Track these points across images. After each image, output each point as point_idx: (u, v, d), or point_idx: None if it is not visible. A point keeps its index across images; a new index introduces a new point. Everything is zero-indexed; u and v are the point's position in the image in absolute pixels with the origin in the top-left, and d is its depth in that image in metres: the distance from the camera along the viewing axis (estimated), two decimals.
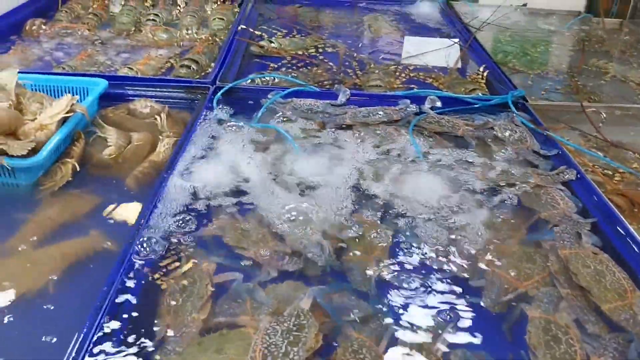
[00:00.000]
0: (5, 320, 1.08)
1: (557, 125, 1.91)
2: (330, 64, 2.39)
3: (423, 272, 1.26)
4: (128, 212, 1.35)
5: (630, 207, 1.49)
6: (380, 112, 1.89)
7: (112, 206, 1.38)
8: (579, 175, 1.55)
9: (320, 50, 2.55)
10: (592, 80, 2.40)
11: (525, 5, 3.22)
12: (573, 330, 1.11)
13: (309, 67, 2.34)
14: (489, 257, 1.31)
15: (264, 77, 2.13)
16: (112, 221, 1.34)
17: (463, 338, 1.11)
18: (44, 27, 2.56)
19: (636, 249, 1.27)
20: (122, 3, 2.90)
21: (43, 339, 1.04)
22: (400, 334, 1.10)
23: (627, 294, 1.18)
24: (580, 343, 1.08)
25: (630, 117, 2.00)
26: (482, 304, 1.19)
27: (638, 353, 1.08)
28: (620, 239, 1.33)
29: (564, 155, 1.67)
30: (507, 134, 1.80)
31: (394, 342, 1.09)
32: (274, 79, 2.14)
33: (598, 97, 2.19)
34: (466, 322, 1.15)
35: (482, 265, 1.28)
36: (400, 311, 1.16)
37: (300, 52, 2.50)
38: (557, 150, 1.70)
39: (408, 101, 1.95)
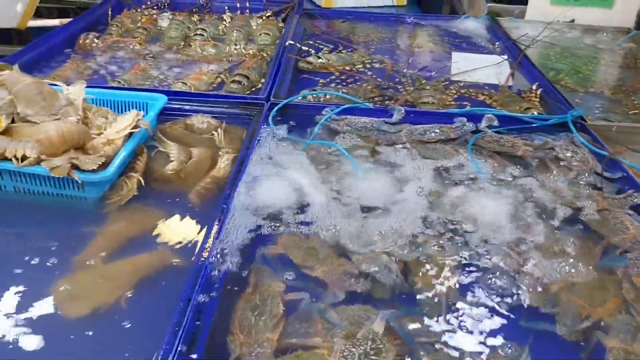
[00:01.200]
0: (79, 335, 1.09)
1: (616, 147, 1.87)
2: (379, 80, 2.38)
3: (493, 296, 1.24)
4: (181, 228, 1.37)
5: None
6: (437, 130, 1.87)
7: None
8: None
9: (368, 65, 2.55)
10: None
11: (573, 21, 3.17)
12: None
13: (358, 83, 2.33)
14: (560, 283, 1.27)
15: (317, 94, 2.14)
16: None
17: None
18: (96, 40, 2.61)
19: None
20: (170, 17, 2.95)
21: (119, 355, 1.05)
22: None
23: None
24: None
25: None
26: (557, 331, 1.16)
27: None
28: None
29: (629, 178, 1.62)
30: (568, 154, 1.76)
31: None
32: (326, 95, 2.14)
33: None
34: (539, 350, 1.12)
35: (554, 291, 1.25)
36: (471, 337, 1.14)
37: (347, 68, 2.50)
38: (622, 173, 1.66)
39: (464, 119, 1.92)
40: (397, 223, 1.40)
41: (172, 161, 1.60)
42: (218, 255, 1.23)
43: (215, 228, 1.31)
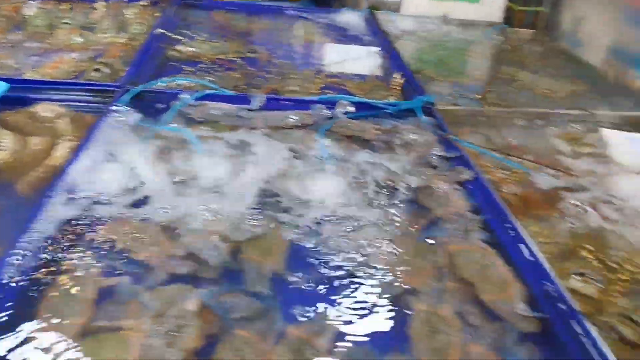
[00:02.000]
0: None
1: (463, 129, 1.99)
2: (250, 69, 2.39)
3: (319, 269, 1.28)
4: None
5: (522, 205, 1.57)
6: (293, 117, 1.91)
7: None
8: (475, 176, 1.61)
9: (242, 55, 2.55)
10: (502, 87, 2.51)
11: (445, 16, 3.33)
12: (454, 321, 1.15)
13: (227, 72, 2.33)
14: (385, 251, 1.34)
15: (176, 81, 2.12)
16: None
17: (351, 332, 1.14)
18: None
19: (522, 246, 1.32)
20: (38, 6, 2.81)
21: None
22: (291, 330, 1.11)
23: (509, 286, 1.23)
24: (458, 333, 1.13)
25: (530, 121, 2.11)
26: (371, 297, 1.21)
27: (513, 341, 1.13)
28: (508, 236, 1.38)
29: (464, 157, 1.73)
30: (412, 137, 1.85)
31: (283, 337, 1.09)
32: (191, 83, 2.12)
33: (506, 103, 2.29)
34: (355, 318, 1.17)
35: (376, 261, 1.31)
36: (294, 309, 1.17)
37: (221, 57, 2.49)
38: (458, 153, 1.76)
39: (321, 106, 1.98)
40: (231, 204, 1.41)
41: (3, 151, 1.52)
42: (28, 246, 1.19)
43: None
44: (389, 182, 1.61)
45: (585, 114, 2.15)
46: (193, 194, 1.44)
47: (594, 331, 1.06)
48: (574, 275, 1.27)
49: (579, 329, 1.08)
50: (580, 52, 2.95)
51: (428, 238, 1.41)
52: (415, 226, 1.45)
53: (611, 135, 1.98)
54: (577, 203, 1.58)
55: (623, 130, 2.06)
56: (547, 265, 1.23)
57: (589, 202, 1.59)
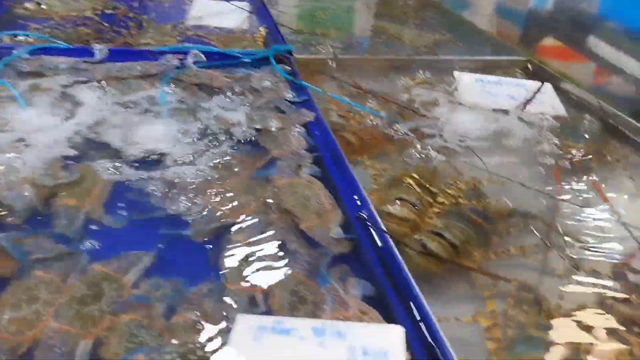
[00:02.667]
0: None
1: (319, 77, 2.00)
2: (106, 25, 2.27)
3: (138, 210, 1.24)
4: None
5: (362, 144, 1.59)
6: (138, 67, 1.83)
7: None
8: (316, 117, 1.62)
9: (98, 12, 2.42)
10: (370, 39, 2.55)
11: None
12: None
13: (77, 28, 2.20)
14: (213, 192, 1.31)
15: (18, 36, 1.97)
16: None
17: (162, 268, 1.11)
18: None
19: (347, 177, 1.34)
20: None
21: None
22: (95, 267, 1.06)
23: (328, 214, 1.24)
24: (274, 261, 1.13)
25: (385, 69, 2.15)
26: (188, 233, 1.19)
27: (327, 264, 1.14)
28: (338, 170, 1.39)
29: (310, 101, 1.73)
30: (264, 84, 1.83)
31: (85, 274, 1.04)
32: (31, 38, 1.98)
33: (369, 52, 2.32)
34: (169, 254, 1.14)
35: (201, 200, 1.28)
36: (103, 250, 1.12)
37: (73, 14, 2.35)
38: (305, 97, 1.76)
39: (170, 56, 1.91)
40: (49, 152, 1.33)
41: None
42: None
43: None
44: (230, 126, 1.58)
45: (442, 60, 2.23)
46: (6, 145, 1.34)
47: (393, 245, 1.09)
48: (396, 201, 1.30)
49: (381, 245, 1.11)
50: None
51: (260, 176, 1.39)
52: (252, 166, 1.44)
53: (462, 78, 2.05)
54: (417, 142, 1.63)
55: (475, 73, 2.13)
56: (363, 193, 1.25)
57: (429, 141, 1.63)
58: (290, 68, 1.96)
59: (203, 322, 0.98)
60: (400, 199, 1.29)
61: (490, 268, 1.20)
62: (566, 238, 1.29)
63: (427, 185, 1.38)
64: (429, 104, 1.89)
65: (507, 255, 1.24)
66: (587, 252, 1.26)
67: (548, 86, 2.06)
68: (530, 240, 1.29)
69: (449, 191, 1.40)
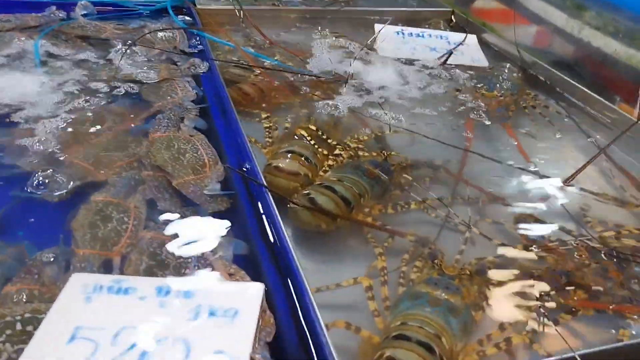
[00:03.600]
0: None
1: (224, 28, 1.83)
2: None
3: None
4: None
5: (260, 94, 1.45)
6: (12, 19, 1.62)
7: None
8: (209, 67, 1.46)
9: None
10: None
11: None
12: (135, 209, 1.00)
13: None
14: (80, 149, 1.14)
15: None
16: None
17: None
18: None
19: (233, 130, 1.20)
20: None
21: None
22: None
23: (205, 169, 1.10)
24: (137, 220, 0.98)
25: (299, 20, 2.00)
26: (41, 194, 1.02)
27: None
28: (225, 123, 1.24)
29: (206, 52, 1.57)
30: (159, 35, 1.65)
31: None
32: None
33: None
34: (16, 217, 0.98)
35: (64, 158, 1.11)
36: None
37: None
38: (201, 48, 1.59)
39: (53, 7, 1.71)
40: None
41: None
42: None
43: None
44: (112, 79, 1.41)
45: (361, 11, 2.09)
46: None
47: (271, 201, 0.96)
48: (287, 155, 1.16)
49: (261, 201, 0.98)
50: None
51: (138, 131, 1.23)
52: (130, 120, 1.27)
53: (382, 30, 1.92)
54: (324, 94, 1.49)
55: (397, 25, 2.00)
56: (247, 145, 1.11)
57: (337, 95, 1.50)
58: (190, 19, 1.79)
59: (40, 290, 0.83)
60: (292, 152, 1.15)
61: (387, 223, 1.08)
62: (469, 191, 1.19)
63: (325, 138, 1.25)
64: (344, 56, 1.75)
65: (407, 209, 1.12)
66: (491, 205, 1.16)
67: (471, 38, 1.96)
68: (434, 193, 1.18)
69: (350, 144, 1.27)
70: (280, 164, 1.12)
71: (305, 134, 1.23)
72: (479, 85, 1.61)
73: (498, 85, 1.59)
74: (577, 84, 1.62)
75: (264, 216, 0.96)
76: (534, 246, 1.01)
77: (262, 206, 0.98)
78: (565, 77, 1.66)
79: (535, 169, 1.27)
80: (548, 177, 1.23)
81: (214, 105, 1.30)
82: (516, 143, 1.38)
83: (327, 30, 1.90)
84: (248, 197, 1.01)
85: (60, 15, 1.70)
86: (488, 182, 1.23)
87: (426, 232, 1.05)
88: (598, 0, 1.72)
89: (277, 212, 0.93)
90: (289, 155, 1.15)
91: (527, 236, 1.07)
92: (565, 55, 1.79)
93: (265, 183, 1.01)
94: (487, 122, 1.47)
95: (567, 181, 1.19)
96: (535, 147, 1.39)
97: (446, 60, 1.78)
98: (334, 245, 1.04)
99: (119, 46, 1.58)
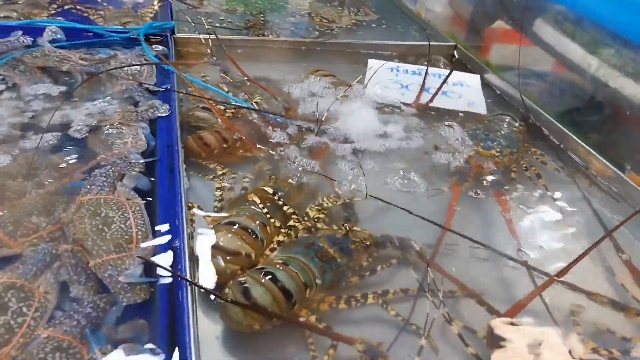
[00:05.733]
0: None
1: (203, 60, 1.70)
2: None
3: None
4: None
5: (222, 145, 1.30)
6: None
7: None
8: (169, 112, 1.32)
9: None
10: (280, 18, 2.24)
11: None
12: (42, 296, 0.87)
13: None
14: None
15: None
16: None
17: None
18: None
19: (172, 194, 1.05)
20: None
21: None
22: None
23: (131, 245, 0.96)
24: (39, 311, 0.84)
25: (286, 54, 1.85)
26: None
27: (117, 318, 0.86)
28: (169, 184, 1.10)
29: (171, 90, 1.43)
30: (129, 69, 1.52)
31: None
32: None
33: (276, 34, 2.01)
34: None
35: None
36: None
37: None
38: (168, 85, 1.46)
39: (19, 32, 1.59)
40: None
41: None
42: None
43: None
44: (62, 122, 1.28)
45: (354, 44, 1.93)
46: None
47: (187, 298, 0.81)
48: (231, 227, 1.01)
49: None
50: None
51: (74, 189, 1.09)
52: (67, 176, 1.14)
53: (373, 66, 1.77)
54: (295, 147, 1.35)
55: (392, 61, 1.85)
56: (181, 216, 0.97)
57: (308, 146, 1.35)
58: (165, 48, 1.66)
59: None
60: (235, 224, 1.00)
61: (335, 322, 0.93)
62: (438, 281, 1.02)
63: (281, 204, 1.10)
64: (327, 98, 1.59)
65: (363, 304, 0.97)
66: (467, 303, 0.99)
67: (474, 78, 1.78)
68: (401, 282, 1.02)
69: (310, 212, 1.12)
70: (219, 240, 0.97)
71: (257, 200, 1.08)
72: (473, 138, 1.44)
73: (496, 142, 1.41)
74: (581, 143, 1.43)
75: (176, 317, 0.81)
76: None
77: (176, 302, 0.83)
78: (571, 134, 1.47)
79: (524, 256, 1.10)
80: (536, 269, 1.05)
81: (162, 159, 1.16)
82: (506, 217, 1.21)
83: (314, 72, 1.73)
84: (166, 290, 0.87)
85: (25, 41, 1.58)
86: (467, 270, 1.06)
87: (381, 336, 0.89)
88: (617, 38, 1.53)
89: (189, 312, 0.78)
90: (233, 228, 1.00)
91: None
92: (578, 100, 1.61)
93: (183, 274, 0.87)
94: (479, 193, 1.30)
95: (559, 275, 1.01)
96: (529, 224, 1.21)
97: (431, 100, 1.62)
98: (266, 351, 0.88)
99: (79, 80, 1.45)
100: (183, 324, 0.77)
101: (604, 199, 1.30)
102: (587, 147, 1.41)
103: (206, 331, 0.87)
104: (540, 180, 1.33)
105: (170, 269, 0.87)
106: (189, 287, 0.83)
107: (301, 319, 0.90)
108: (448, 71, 1.79)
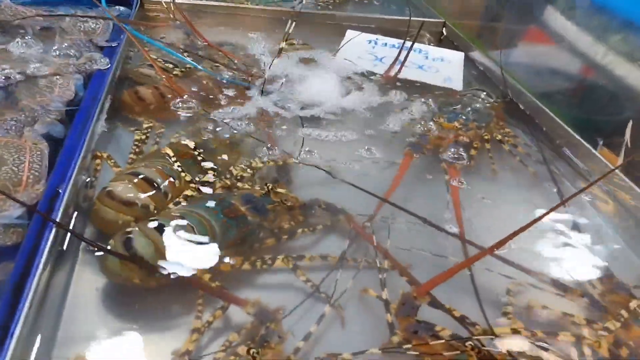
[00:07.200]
0: None
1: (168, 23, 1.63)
2: None
3: None
4: None
5: (159, 100, 1.22)
6: None
7: None
8: (108, 66, 1.25)
9: None
10: None
11: None
12: None
13: None
14: None
15: None
16: None
17: None
18: None
19: (74, 143, 0.97)
20: None
21: None
22: None
23: (18, 188, 0.87)
24: None
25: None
26: None
27: None
28: (78, 133, 1.02)
29: (118, 47, 1.36)
30: (81, 24, 1.46)
31: None
32: None
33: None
34: None
35: None
36: None
37: None
38: (116, 42, 1.38)
39: None
40: None
41: None
42: None
43: None
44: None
45: (337, 16, 1.83)
46: None
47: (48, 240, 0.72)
48: (133, 178, 0.92)
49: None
50: None
51: None
52: None
53: (351, 36, 1.66)
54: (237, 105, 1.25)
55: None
56: (75, 163, 0.88)
57: (250, 105, 1.26)
58: (127, 9, 1.59)
59: None
60: (138, 175, 0.91)
61: (238, 284, 0.83)
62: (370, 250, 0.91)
63: (201, 159, 1.00)
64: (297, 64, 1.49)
65: (270, 267, 0.86)
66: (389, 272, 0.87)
67: (458, 55, 1.66)
68: (318, 248, 0.92)
69: (234, 170, 1.02)
70: (115, 189, 0.88)
71: (171, 153, 0.98)
72: (439, 112, 1.32)
73: (463, 115, 1.28)
74: (558, 120, 1.30)
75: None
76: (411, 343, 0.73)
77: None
78: (548, 111, 1.34)
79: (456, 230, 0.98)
80: (473, 243, 0.92)
81: (83, 109, 1.08)
82: (451, 191, 1.08)
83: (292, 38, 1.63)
84: (34, 235, 0.78)
85: None
86: (398, 239, 0.94)
87: (284, 302, 0.79)
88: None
89: (44, 256, 0.69)
90: (135, 178, 0.90)
91: (411, 322, 0.78)
92: (569, 83, 1.47)
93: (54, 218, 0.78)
94: (426, 161, 1.18)
95: (495, 247, 0.88)
96: (480, 199, 1.09)
97: (399, 71, 1.49)
98: (147, 309, 0.78)
99: (30, 34, 1.39)
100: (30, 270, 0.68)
101: (571, 175, 1.17)
102: (564, 125, 1.27)
103: (86, 283, 0.78)
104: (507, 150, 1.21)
105: (40, 211, 0.78)
106: (52, 232, 0.74)
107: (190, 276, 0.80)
108: (432, 47, 1.67)
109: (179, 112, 1.21)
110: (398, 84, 1.47)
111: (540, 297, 0.85)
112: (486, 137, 1.22)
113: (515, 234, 0.84)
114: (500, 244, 0.84)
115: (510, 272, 0.88)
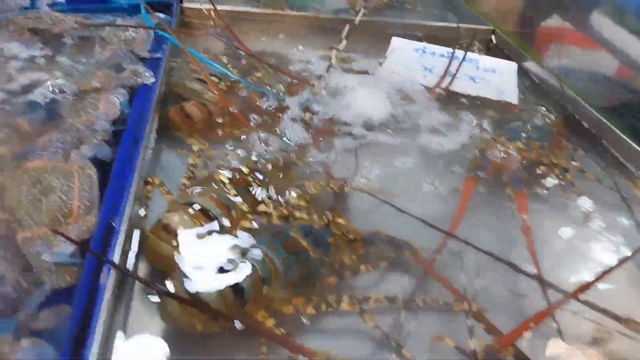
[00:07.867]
0: None
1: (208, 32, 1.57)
2: None
3: None
4: None
5: (204, 120, 1.16)
6: None
7: None
8: (153, 81, 1.19)
9: None
10: None
11: None
12: None
13: None
14: None
15: None
16: None
17: None
18: None
19: (127, 168, 0.92)
20: None
21: None
22: None
23: (69, 219, 0.83)
24: None
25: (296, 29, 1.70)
26: None
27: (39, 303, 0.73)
28: (128, 156, 0.97)
29: (161, 59, 1.31)
30: (122, 34, 1.41)
31: None
32: None
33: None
34: None
35: None
36: None
37: None
38: (159, 54, 1.33)
39: None
40: None
41: None
42: None
43: None
44: (36, 83, 1.17)
45: (380, 22, 1.77)
46: None
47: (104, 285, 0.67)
48: (188, 208, 0.87)
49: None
50: None
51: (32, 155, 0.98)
52: (27, 141, 1.02)
53: (397, 45, 1.59)
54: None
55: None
56: (128, 192, 0.83)
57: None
58: (167, 16, 1.53)
59: None
60: (193, 205, 0.86)
61: (300, 329, 0.77)
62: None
63: (255, 186, 0.95)
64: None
65: (336, 310, 0.80)
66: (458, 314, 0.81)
67: (510, 65, 1.58)
68: (389, 289, 0.86)
69: (292, 198, 0.96)
70: (170, 222, 0.82)
71: (225, 180, 0.93)
72: (497, 130, 1.25)
73: (524, 133, 1.21)
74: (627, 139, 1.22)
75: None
76: None
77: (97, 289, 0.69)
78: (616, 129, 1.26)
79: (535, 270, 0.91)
80: (552, 285, 0.86)
81: (130, 129, 1.03)
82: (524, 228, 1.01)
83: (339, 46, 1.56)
84: (91, 276, 0.73)
85: (22, 2, 1.49)
86: (467, 277, 0.88)
87: (353, 351, 0.73)
88: None
89: (103, 301, 0.64)
90: (189, 209, 0.85)
91: None
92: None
93: (110, 258, 0.73)
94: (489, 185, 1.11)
95: (578, 292, 0.82)
96: (552, 231, 1.02)
97: (449, 84, 1.42)
98: (212, 355, 0.73)
99: (71, 43, 1.35)
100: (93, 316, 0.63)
101: None
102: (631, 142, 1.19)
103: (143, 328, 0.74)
104: (568, 176, 1.13)
105: (96, 252, 0.73)
106: (112, 273, 0.69)
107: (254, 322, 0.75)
108: (483, 56, 1.60)
109: (232, 132, 1.15)
110: (449, 96, 1.40)
111: (628, 347, 0.78)
112: (555, 162, 1.14)
113: (604, 274, 0.78)
114: (586, 287, 0.78)
115: (595, 316, 0.81)
